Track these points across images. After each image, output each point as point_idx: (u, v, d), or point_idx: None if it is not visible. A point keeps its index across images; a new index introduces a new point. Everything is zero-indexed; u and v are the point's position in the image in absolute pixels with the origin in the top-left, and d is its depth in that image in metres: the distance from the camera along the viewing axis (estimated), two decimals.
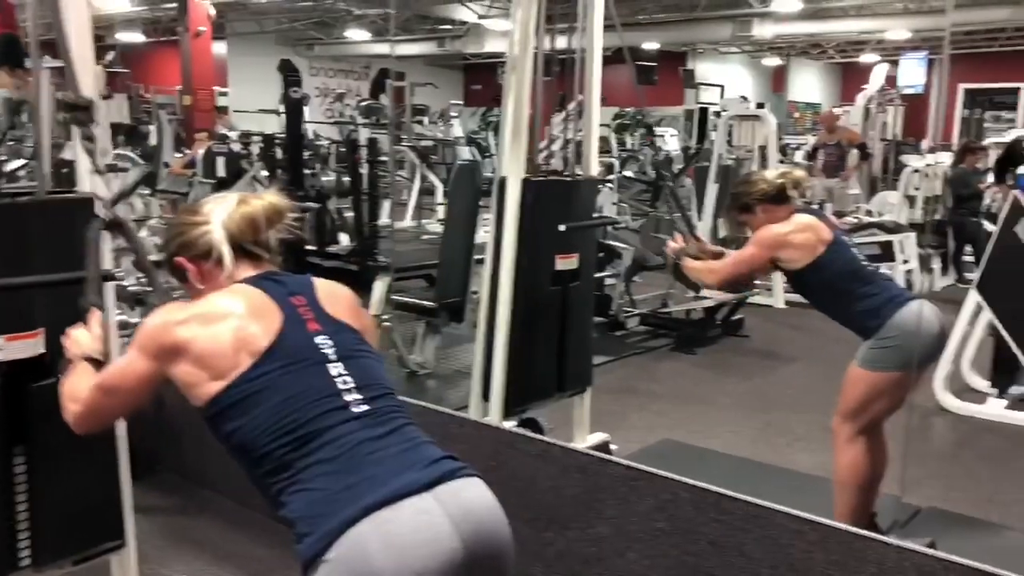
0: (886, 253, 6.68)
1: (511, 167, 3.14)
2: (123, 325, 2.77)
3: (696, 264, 3.14)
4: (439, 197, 10.48)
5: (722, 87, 15.35)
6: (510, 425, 3.15)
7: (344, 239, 7.81)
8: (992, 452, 4.24)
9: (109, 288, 2.23)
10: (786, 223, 2.85)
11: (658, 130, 14.60)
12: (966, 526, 3.24)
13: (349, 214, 7.50)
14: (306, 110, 8.61)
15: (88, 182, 2.16)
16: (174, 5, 11.85)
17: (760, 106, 8.20)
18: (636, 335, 6.04)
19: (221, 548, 2.98)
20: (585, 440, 3.55)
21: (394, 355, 4.81)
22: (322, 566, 1.33)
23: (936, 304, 2.87)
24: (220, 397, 1.46)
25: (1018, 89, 17.23)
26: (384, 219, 9.00)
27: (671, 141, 14.18)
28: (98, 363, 1.75)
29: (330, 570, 1.32)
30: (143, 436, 2.60)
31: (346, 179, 7.45)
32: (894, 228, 6.99)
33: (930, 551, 1.93)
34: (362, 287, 4.75)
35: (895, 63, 13.91)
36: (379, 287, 4.67)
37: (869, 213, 7.59)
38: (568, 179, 3.55)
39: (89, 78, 2.12)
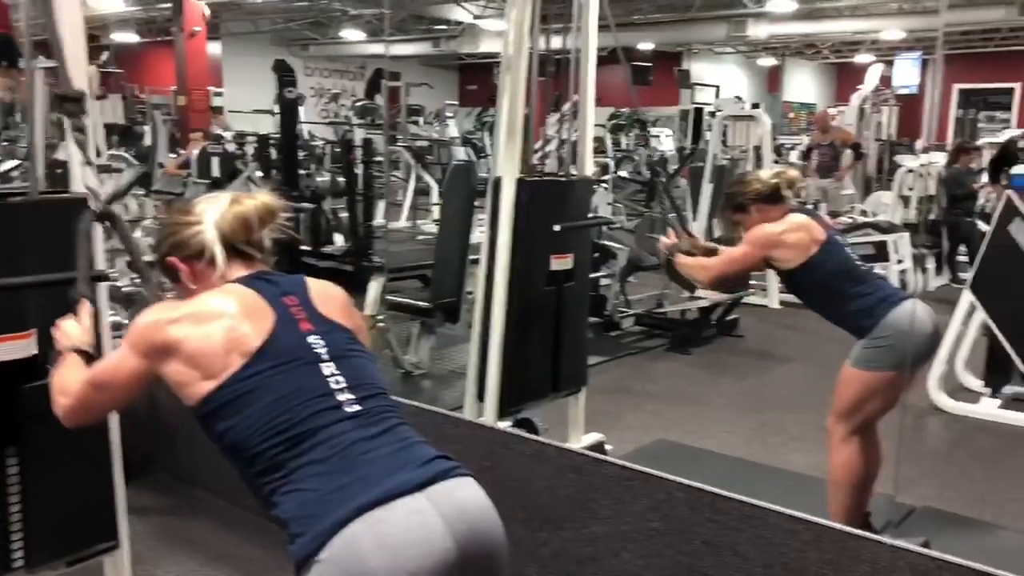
0: (880, 253, 6.67)
1: (506, 167, 3.14)
2: (116, 326, 2.76)
3: (688, 260, 3.14)
4: (434, 197, 10.47)
5: (717, 87, 15.39)
6: (505, 425, 3.14)
7: (339, 239, 7.79)
8: (986, 451, 4.25)
9: (102, 288, 2.23)
10: (780, 223, 2.85)
11: (653, 130, 14.63)
12: (960, 525, 3.25)
13: (344, 214, 7.49)
14: (301, 110, 8.59)
15: (80, 182, 2.16)
16: (169, 5, 11.84)
17: (755, 106, 8.22)
18: (631, 335, 6.04)
19: (214, 549, 2.98)
20: (580, 440, 3.55)
21: (389, 355, 4.81)
22: (315, 566, 1.32)
23: (930, 304, 2.88)
24: (211, 397, 1.46)
25: (1012, 89, 17.28)
26: (379, 219, 8.99)
27: (666, 141, 14.21)
28: (88, 355, 1.74)
29: (323, 570, 1.32)
30: (136, 437, 2.60)
31: (341, 179, 7.45)
32: (888, 228, 7.00)
33: (924, 550, 1.93)
34: (357, 287, 4.76)
35: (890, 63, 13.93)
36: (374, 287, 4.67)
37: (864, 213, 7.61)
38: (563, 179, 3.55)
39: (80, 70, 2.12)
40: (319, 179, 7.92)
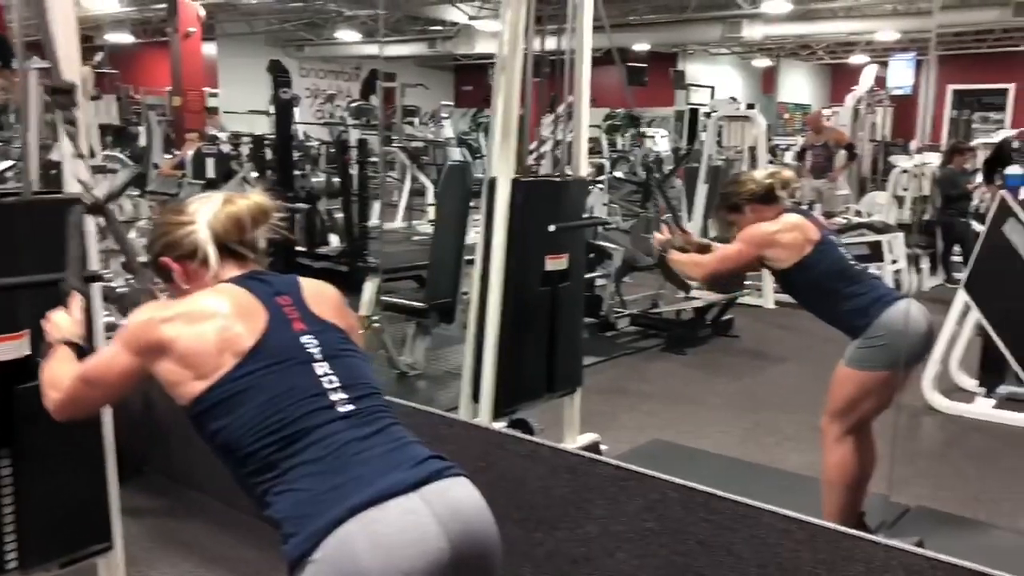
0: (875, 253, 6.71)
1: (501, 168, 3.14)
2: (110, 327, 2.76)
3: (682, 257, 3.13)
4: (429, 198, 10.48)
5: (712, 88, 15.39)
6: (500, 426, 3.14)
7: (334, 240, 7.80)
8: (980, 451, 4.26)
9: (96, 288, 2.23)
10: (774, 222, 2.86)
11: (648, 131, 14.65)
12: (954, 525, 3.25)
13: (339, 215, 7.50)
14: (296, 111, 8.60)
15: (72, 176, 2.15)
16: (164, 6, 11.81)
17: (750, 107, 8.24)
18: (626, 335, 6.04)
19: (209, 550, 2.97)
20: (575, 440, 3.55)
21: (384, 356, 4.81)
22: (309, 566, 1.32)
23: (924, 304, 2.89)
24: (204, 396, 1.45)
25: (1006, 90, 17.34)
26: (374, 220, 9.01)
27: (661, 142, 14.22)
28: (79, 348, 1.73)
29: (317, 570, 1.32)
30: (131, 437, 2.59)
31: (336, 180, 7.45)
32: (883, 228, 7.02)
33: (918, 550, 1.93)
34: (352, 288, 4.74)
35: (884, 64, 13.97)
36: (369, 288, 4.67)
37: (858, 213, 7.62)
38: (558, 180, 3.55)
39: (72, 62, 2.11)
40: (314, 180, 7.92)
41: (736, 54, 18.50)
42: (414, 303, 4.83)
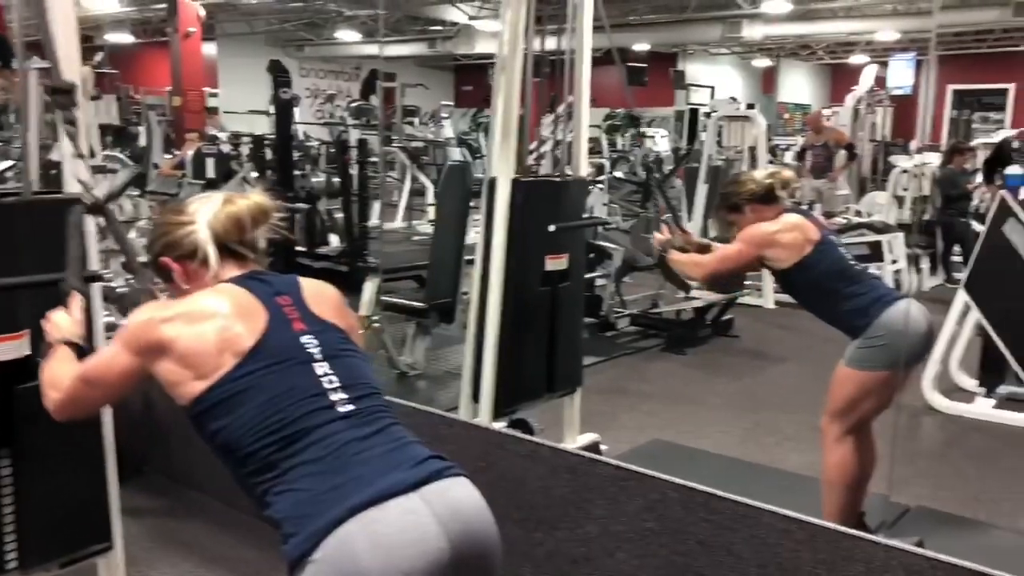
0: (875, 253, 6.71)
1: (501, 168, 3.14)
2: (110, 327, 2.76)
3: (682, 257, 3.14)
4: (429, 198, 10.48)
5: (712, 88, 15.39)
6: (500, 426, 3.14)
7: (334, 240, 7.81)
8: (980, 451, 4.26)
9: (96, 289, 2.22)
10: (774, 222, 2.86)
11: (648, 131, 14.65)
12: (954, 525, 3.25)
13: (339, 215, 7.50)
14: (296, 111, 8.60)
15: (72, 177, 2.15)
16: (164, 6, 11.81)
17: (750, 107, 8.24)
18: (626, 335, 6.04)
19: (209, 550, 2.97)
20: (575, 440, 3.55)
21: (384, 356, 4.81)
22: (309, 566, 1.32)
23: (924, 304, 2.89)
24: (204, 396, 1.45)
25: (1006, 90, 17.34)
26: (374, 220, 9.01)
27: (661, 142, 14.22)
28: (78, 348, 1.73)
29: (317, 570, 1.32)
30: (131, 438, 2.59)
31: (336, 180, 7.45)
32: (883, 228, 7.02)
33: (918, 550, 1.93)
34: (352, 288, 4.74)
35: (884, 64, 13.97)
36: (369, 288, 4.67)
37: (859, 213, 7.62)
38: (558, 180, 3.55)
39: (72, 62, 2.11)
40: (314, 180, 7.93)
41: (736, 54, 18.50)
42: (414, 303, 4.83)
